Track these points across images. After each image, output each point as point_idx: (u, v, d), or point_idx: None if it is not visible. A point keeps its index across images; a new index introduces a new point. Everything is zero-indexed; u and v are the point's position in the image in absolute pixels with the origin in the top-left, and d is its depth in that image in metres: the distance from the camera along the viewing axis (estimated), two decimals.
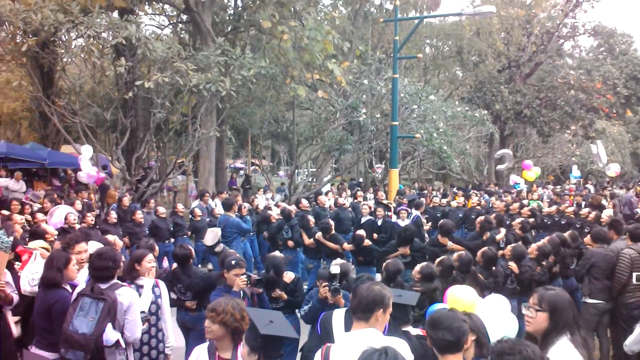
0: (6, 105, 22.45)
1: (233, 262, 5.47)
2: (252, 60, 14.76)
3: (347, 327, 3.79)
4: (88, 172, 13.19)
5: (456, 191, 18.14)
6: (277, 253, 6.88)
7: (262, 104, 18.43)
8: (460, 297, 4.42)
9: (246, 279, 5.34)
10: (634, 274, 6.82)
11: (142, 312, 4.80)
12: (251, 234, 11.84)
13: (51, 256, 4.91)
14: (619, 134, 35.22)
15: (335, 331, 4.03)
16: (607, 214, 12.53)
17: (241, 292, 5.37)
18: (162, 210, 11.50)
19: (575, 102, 29.13)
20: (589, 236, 8.24)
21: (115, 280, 4.67)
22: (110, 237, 6.72)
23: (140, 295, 4.96)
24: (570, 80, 29.53)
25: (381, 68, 19.42)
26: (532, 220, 11.06)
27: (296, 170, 20.52)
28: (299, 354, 5.76)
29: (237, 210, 11.35)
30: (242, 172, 32.66)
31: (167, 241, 10.81)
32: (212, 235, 8.88)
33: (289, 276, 6.22)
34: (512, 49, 29.08)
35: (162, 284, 5.40)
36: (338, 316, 4.19)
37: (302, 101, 19.06)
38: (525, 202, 14.85)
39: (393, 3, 18.15)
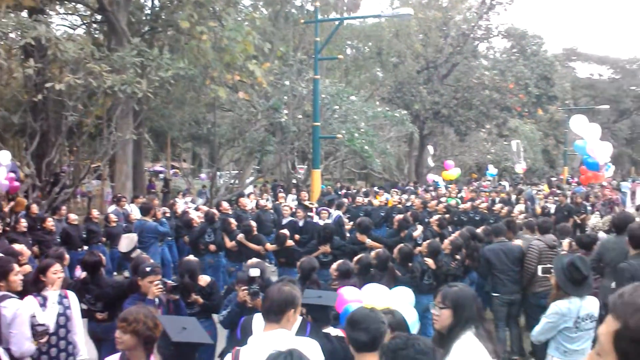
0: None
1: (148, 268, 5.33)
2: (170, 61, 14.43)
3: None
4: (2, 179, 12.54)
5: (377, 190, 18.47)
6: (191, 257, 6.77)
7: (182, 105, 18.08)
8: (375, 297, 4.49)
9: (162, 286, 5.21)
10: (539, 267, 7.16)
11: (42, 325, 4.59)
12: (169, 238, 11.56)
13: None
14: (531, 132, 36.94)
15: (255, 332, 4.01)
16: (518, 209, 13.19)
17: (156, 299, 5.25)
18: (73, 217, 11.04)
19: (489, 102, 30.27)
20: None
21: (3, 292, 4.44)
22: (18, 247, 6.39)
23: (45, 307, 4.74)
24: (484, 81, 30.65)
25: (302, 69, 19.48)
26: (448, 216, 11.44)
27: (218, 173, 20.24)
28: None
29: (153, 215, 11.06)
30: (161, 175, 31.94)
31: (79, 249, 10.38)
32: (127, 242, 8.60)
33: (204, 280, 6.11)
34: (430, 51, 29.92)
35: (71, 294, 5.17)
36: (259, 320, 4.16)
37: (223, 102, 18.83)
38: (443, 199, 15.35)
39: (314, 4, 18.23)
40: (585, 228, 12.47)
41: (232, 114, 20.52)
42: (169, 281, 5.49)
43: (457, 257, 8.15)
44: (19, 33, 13.01)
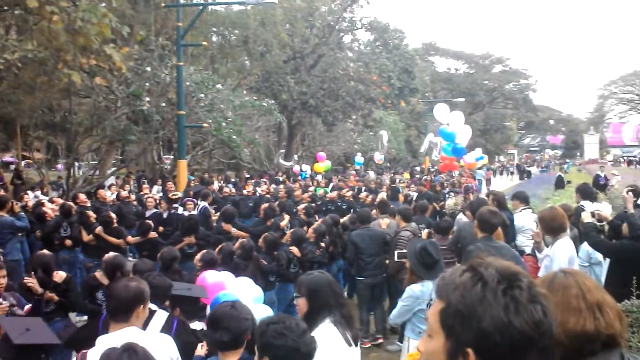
0: None
1: None
2: (17, 42, 13.24)
3: None
4: None
5: (248, 177, 18.32)
6: (45, 251, 6.28)
7: (32, 91, 16.66)
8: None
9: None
10: (395, 252, 7.43)
11: None
12: (20, 234, 10.61)
13: None
14: (394, 122, 38.54)
15: None
16: (381, 196, 13.67)
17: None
18: None
19: (355, 93, 31.11)
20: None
21: None
22: None
23: None
24: (350, 72, 31.45)
25: (165, 55, 18.73)
26: (314, 204, 11.58)
27: (76, 163, 19.00)
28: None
29: (9, 209, 10.11)
30: (12, 166, 29.44)
31: None
32: None
33: (59, 275, 5.70)
34: (297, 41, 30.14)
35: None
36: None
37: (79, 88, 17.65)
38: (311, 189, 15.54)
39: None
40: (444, 213, 13.17)
41: (90, 100, 19.31)
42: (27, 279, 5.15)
43: (322, 244, 8.27)
44: None
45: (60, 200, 11.56)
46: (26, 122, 19.43)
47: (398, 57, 41.66)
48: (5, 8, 16.60)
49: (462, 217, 9.15)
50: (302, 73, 30.64)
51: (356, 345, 3.26)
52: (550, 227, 5.34)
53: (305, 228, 8.85)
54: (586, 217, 5.78)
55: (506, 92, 71.38)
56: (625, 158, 72.52)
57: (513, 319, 1.30)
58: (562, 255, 5.12)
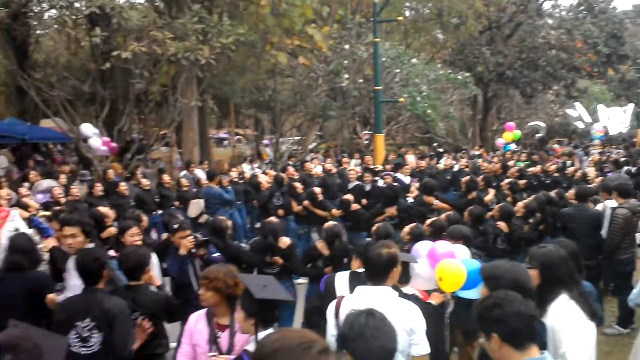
0: None
1: (175, 225, 5.60)
2: (230, 27, 14.43)
3: (352, 289, 3.83)
4: (98, 145, 13.49)
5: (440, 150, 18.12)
6: (274, 219, 6.86)
7: (243, 72, 18.12)
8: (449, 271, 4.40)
9: (193, 240, 5.43)
10: (638, 235, 6.88)
11: None
12: (239, 202, 11.73)
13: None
14: (601, 92, 35.36)
15: (339, 292, 4.13)
16: (591, 172, 12.62)
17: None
18: (145, 182, 11.34)
19: (556, 62, 29.14)
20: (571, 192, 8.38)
21: None
22: (103, 209, 6.58)
23: None
24: (551, 40, 29.46)
25: (361, 32, 19.14)
26: (522, 182, 11.02)
27: (280, 139, 20.36)
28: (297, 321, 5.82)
29: (218, 182, 11.31)
30: (225, 142, 32.37)
31: (153, 213, 10.68)
32: (195, 207, 8.89)
33: (284, 242, 6.21)
34: (493, 10, 28.81)
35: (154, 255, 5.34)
36: (341, 278, 4.35)
37: (283, 68, 18.79)
38: (511, 163, 14.93)
39: None
40: None
41: (293, 80, 20.45)
42: (199, 235, 5.64)
43: (530, 221, 7.91)
44: (84, 2, 13.28)
45: (273, 172, 12.50)
46: (238, 101, 21.21)
47: (605, 21, 37.84)
48: None
49: None
50: (498, 43, 29.33)
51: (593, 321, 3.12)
52: None
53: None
54: None
55: None
56: None
57: None
58: None
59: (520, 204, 8.05)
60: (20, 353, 2.18)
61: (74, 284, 4.42)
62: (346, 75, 18.07)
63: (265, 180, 11.23)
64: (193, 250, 5.41)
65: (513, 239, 7.46)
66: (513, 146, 21.46)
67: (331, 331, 3.47)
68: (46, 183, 10.84)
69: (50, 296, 4.48)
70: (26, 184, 10.75)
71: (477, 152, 19.94)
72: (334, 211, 9.71)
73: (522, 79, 28.66)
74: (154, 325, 4.20)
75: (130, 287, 4.36)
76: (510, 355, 2.47)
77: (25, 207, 6.93)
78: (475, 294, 4.58)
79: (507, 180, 10.29)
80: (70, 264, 4.59)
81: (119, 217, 7.10)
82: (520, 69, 28.55)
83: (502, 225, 7.48)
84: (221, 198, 10.83)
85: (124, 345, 3.88)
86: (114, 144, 14.24)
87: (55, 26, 13.50)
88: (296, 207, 10.03)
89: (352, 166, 15.13)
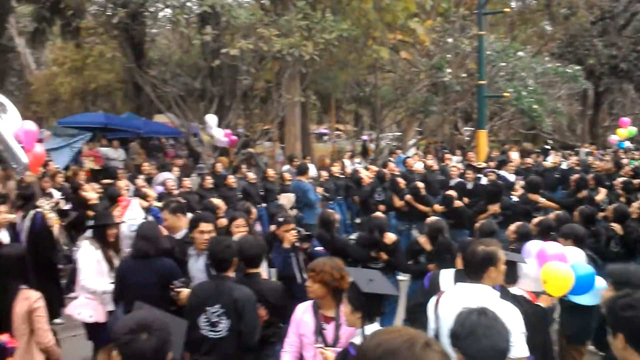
0: (101, 77, 23.29)
1: (280, 219, 5.73)
2: (334, 22, 14.60)
3: None
4: (220, 136, 14.28)
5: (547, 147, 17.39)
6: (380, 214, 6.93)
7: (345, 67, 18.26)
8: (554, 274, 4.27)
9: (297, 234, 5.53)
10: None
11: None
12: (339, 198, 11.89)
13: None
14: None
15: (443, 288, 4.11)
16: None
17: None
18: (251, 175, 11.77)
19: None
20: None
21: None
22: (215, 201, 6.93)
23: None
24: None
25: (465, 25, 18.75)
26: (637, 181, 10.41)
27: (380, 134, 20.35)
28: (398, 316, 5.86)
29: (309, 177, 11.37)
30: (325, 137, 32.82)
31: (258, 206, 11.06)
32: (285, 201, 9.11)
33: (390, 237, 6.27)
34: None
35: None
36: (446, 276, 4.35)
37: (384, 64, 18.73)
38: (625, 161, 14.11)
39: None
40: None
41: (393, 75, 20.36)
42: (302, 230, 5.74)
43: None
44: (195, 2, 13.92)
45: (375, 168, 12.55)
46: (339, 96, 21.41)
47: None
48: None
49: None
50: (611, 34, 27.62)
51: None
52: None
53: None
54: None
55: None
56: None
57: None
58: None
59: (635, 204, 7.61)
60: (154, 332, 2.36)
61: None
62: (449, 70, 17.75)
63: (366, 175, 11.29)
64: (297, 244, 5.57)
65: (628, 242, 7.08)
66: (628, 144, 20.22)
67: (431, 325, 3.52)
68: (163, 176, 11.48)
69: (186, 292, 4.59)
70: (142, 176, 11.44)
71: (585, 150, 18.97)
72: (437, 206, 9.62)
73: (637, 73, 26.88)
74: (270, 314, 4.39)
75: (247, 274, 4.56)
76: (633, 358, 2.46)
77: (144, 197, 7.41)
78: (587, 299, 4.45)
79: (620, 179, 9.75)
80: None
81: (228, 209, 7.43)
82: (635, 62, 26.75)
83: (616, 227, 7.12)
84: (304, 196, 10.56)
85: (252, 333, 4.12)
86: (234, 137, 14.86)
87: (169, 25, 14.22)
88: (398, 203, 10.03)
89: (454, 163, 14.89)
